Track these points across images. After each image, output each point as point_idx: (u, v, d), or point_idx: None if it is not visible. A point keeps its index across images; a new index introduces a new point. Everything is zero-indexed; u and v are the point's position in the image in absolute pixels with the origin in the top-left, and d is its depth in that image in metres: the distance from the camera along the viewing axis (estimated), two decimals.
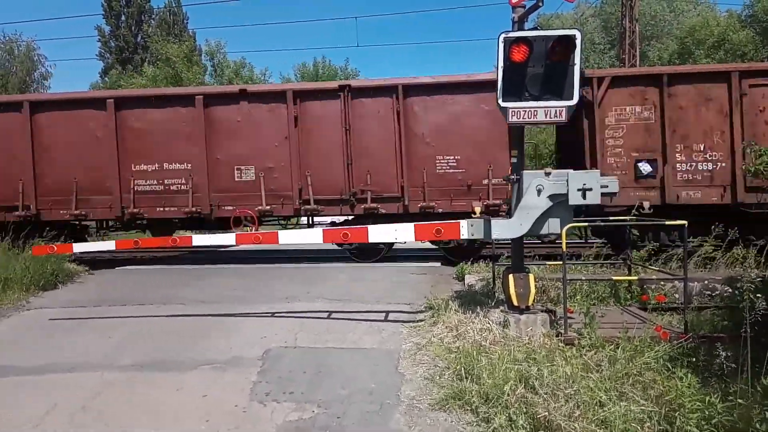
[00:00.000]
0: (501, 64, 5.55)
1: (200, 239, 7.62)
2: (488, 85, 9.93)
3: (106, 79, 38.52)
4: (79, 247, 7.78)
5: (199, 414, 4.48)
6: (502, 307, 6.16)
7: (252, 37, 75.62)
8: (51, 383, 5.24)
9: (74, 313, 7.83)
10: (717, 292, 6.99)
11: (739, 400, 3.57)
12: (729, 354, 4.17)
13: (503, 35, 5.46)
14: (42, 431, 4.28)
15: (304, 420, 4.33)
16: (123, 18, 42.29)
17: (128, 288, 9.67)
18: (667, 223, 6.74)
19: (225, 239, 7.54)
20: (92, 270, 11.28)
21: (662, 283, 7.30)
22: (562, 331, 5.53)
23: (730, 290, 6.49)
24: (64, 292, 9.46)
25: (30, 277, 9.21)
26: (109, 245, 7.68)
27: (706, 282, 7.36)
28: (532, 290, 5.89)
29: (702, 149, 10.16)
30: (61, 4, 65.58)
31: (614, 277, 7.11)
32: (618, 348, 4.91)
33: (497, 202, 10.73)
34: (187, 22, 42.27)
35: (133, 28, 42.37)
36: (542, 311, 5.98)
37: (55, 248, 7.80)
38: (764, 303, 4.87)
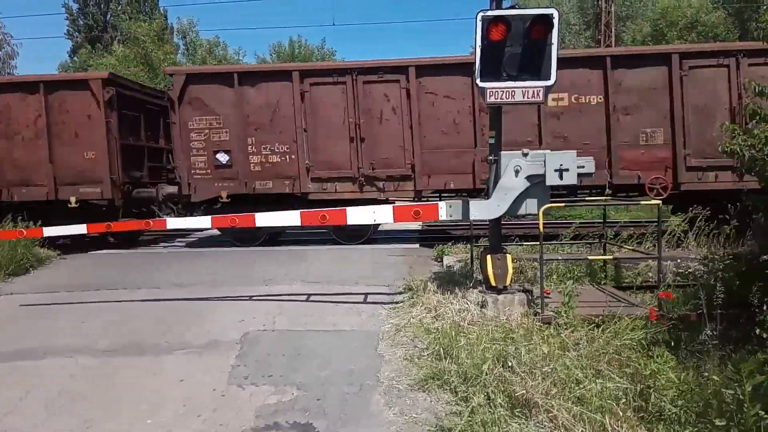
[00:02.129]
0: (479, 43, 5.50)
1: (175, 222, 7.50)
2: None
3: (75, 58, 37.43)
4: (49, 231, 7.58)
5: (177, 398, 4.44)
6: (480, 288, 6.20)
7: (225, 15, 73.98)
8: (25, 369, 5.14)
9: (46, 299, 7.66)
10: (689, 271, 7.12)
11: (714, 377, 3.64)
12: (706, 332, 4.26)
13: (481, 14, 5.40)
14: (17, 417, 4.21)
15: (283, 402, 4.32)
16: None
17: (101, 272, 9.49)
18: (642, 202, 6.82)
19: (199, 222, 7.42)
20: (64, 254, 11.04)
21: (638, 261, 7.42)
22: (540, 311, 5.60)
23: (702, 269, 6.62)
24: (36, 277, 9.23)
25: None
26: (80, 229, 7.49)
27: (679, 261, 7.49)
28: (510, 270, 5.94)
29: None
30: None
31: (590, 257, 7.20)
32: (597, 327, 4.98)
33: None
34: (158, 0, 41.21)
35: (102, 5, 41.08)
36: (519, 291, 6.04)
37: (25, 232, 7.61)
38: (733, 280, 5.00)
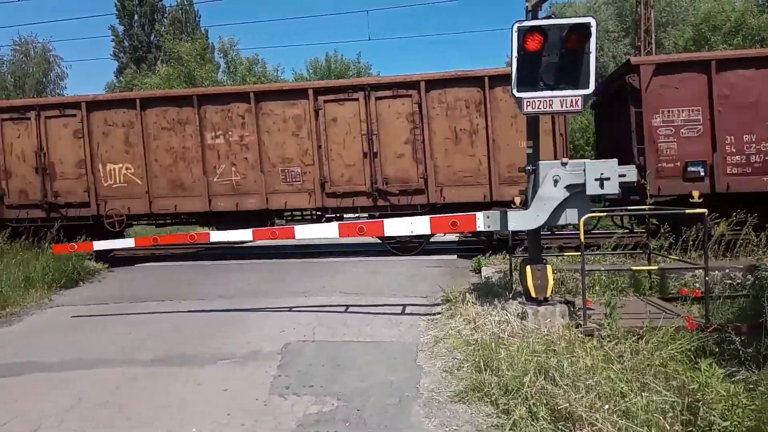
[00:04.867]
0: (515, 53, 5.50)
1: (218, 235, 7.66)
2: None
3: (121, 78, 38.84)
4: (99, 245, 7.85)
5: (221, 408, 4.52)
6: (519, 299, 6.13)
7: (264, 33, 75.68)
8: (74, 379, 5.33)
9: (95, 311, 7.95)
10: (738, 281, 6.89)
11: (761, 389, 3.52)
12: (753, 343, 4.12)
13: (517, 24, 5.41)
14: (66, 426, 4.35)
15: (324, 413, 4.36)
16: (136, 17, 42.52)
17: (148, 285, 9.78)
18: (687, 211, 6.62)
19: (241, 235, 7.56)
20: (112, 267, 11.41)
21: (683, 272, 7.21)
22: (582, 323, 5.50)
23: (751, 279, 6.40)
24: (85, 290, 9.60)
25: (51, 275, 9.35)
26: (128, 243, 7.74)
27: (726, 271, 7.26)
28: (550, 281, 5.86)
29: None
30: (76, 4, 66.12)
31: (633, 267, 7.04)
32: (641, 339, 4.86)
33: None
34: (199, 20, 42.49)
35: (146, 27, 42.63)
36: (561, 302, 5.94)
37: (76, 246, 7.90)
38: None
